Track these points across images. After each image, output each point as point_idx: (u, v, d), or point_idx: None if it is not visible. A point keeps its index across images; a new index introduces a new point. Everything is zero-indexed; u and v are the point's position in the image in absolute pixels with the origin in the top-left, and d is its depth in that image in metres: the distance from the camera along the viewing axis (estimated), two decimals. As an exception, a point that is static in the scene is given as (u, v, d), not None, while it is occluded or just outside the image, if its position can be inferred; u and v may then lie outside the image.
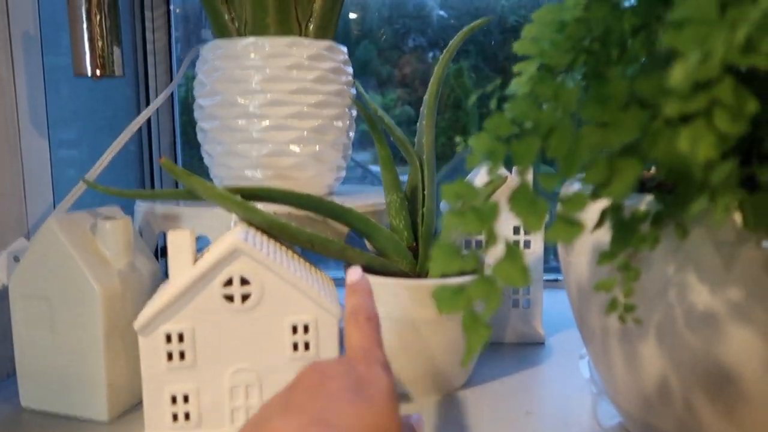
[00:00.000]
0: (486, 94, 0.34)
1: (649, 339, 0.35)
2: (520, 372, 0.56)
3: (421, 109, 0.57)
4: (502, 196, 0.40)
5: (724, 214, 0.21)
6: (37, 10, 0.59)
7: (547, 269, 0.69)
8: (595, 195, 0.25)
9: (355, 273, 0.35)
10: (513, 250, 0.26)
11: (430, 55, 0.94)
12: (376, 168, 0.54)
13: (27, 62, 0.57)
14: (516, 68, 0.35)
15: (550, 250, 0.78)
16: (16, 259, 0.50)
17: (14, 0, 0.55)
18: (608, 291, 0.30)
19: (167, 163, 0.44)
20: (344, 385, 0.25)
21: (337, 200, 0.57)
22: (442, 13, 0.93)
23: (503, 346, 0.63)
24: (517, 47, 0.36)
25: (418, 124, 0.58)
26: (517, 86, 0.33)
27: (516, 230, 0.62)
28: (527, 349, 0.62)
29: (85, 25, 0.53)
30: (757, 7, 0.20)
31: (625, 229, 0.31)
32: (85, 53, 0.54)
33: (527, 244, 0.63)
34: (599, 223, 0.32)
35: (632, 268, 0.30)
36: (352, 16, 0.95)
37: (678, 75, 0.19)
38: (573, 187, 0.41)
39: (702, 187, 0.22)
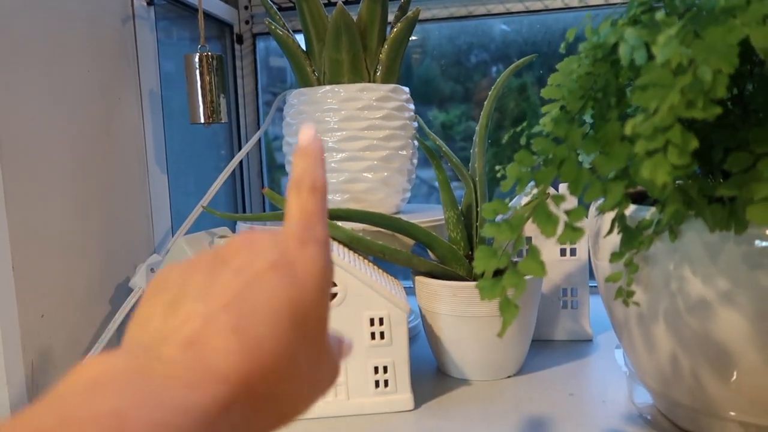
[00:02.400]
0: (517, 132, 0.44)
1: (660, 324, 0.43)
2: (567, 363, 0.64)
3: (474, 137, 0.67)
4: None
5: (668, 220, 0.30)
6: (158, 72, 0.73)
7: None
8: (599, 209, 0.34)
9: (307, 133, 0.28)
10: (533, 249, 0.35)
11: (494, 69, 0.98)
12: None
13: (153, 113, 0.71)
14: (544, 109, 0.45)
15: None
16: (152, 270, 0.63)
17: (143, 65, 0.70)
18: (616, 281, 0.39)
19: (269, 192, 0.56)
20: (270, 263, 0.23)
21: (404, 217, 0.67)
22: (504, 27, 0.99)
23: (554, 343, 0.71)
24: (544, 92, 0.45)
25: (471, 150, 0.67)
26: (543, 126, 0.43)
27: (561, 240, 0.70)
28: (576, 344, 0.70)
29: (199, 83, 0.67)
30: (688, 74, 0.29)
31: (630, 234, 0.39)
32: (199, 105, 0.67)
33: (573, 252, 0.71)
34: (610, 230, 0.40)
35: (633, 264, 0.39)
36: (413, 37, 0.98)
37: (629, 128, 0.28)
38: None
39: (661, 203, 0.31)
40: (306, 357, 0.23)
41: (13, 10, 0.52)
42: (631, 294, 0.40)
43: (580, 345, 0.70)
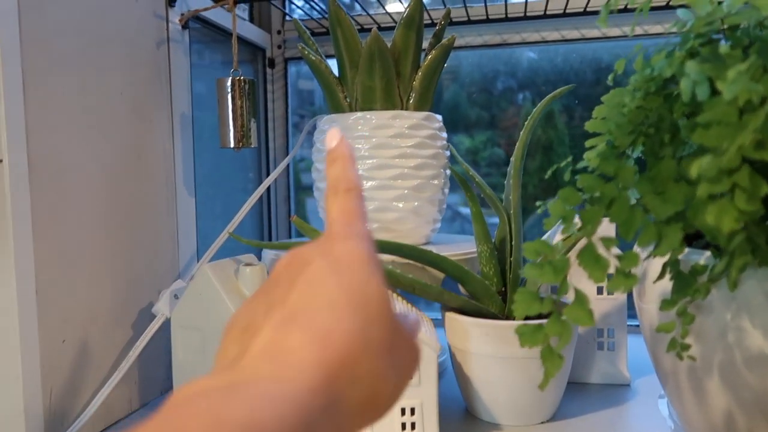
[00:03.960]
0: (560, 167, 0.42)
1: (714, 378, 0.39)
2: (604, 410, 0.60)
3: (509, 168, 0.64)
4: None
5: (737, 274, 0.27)
6: (190, 95, 0.73)
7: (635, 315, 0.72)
8: (649, 254, 0.31)
9: (334, 136, 0.30)
10: (581, 296, 0.32)
11: (520, 97, 0.97)
12: (465, 209, 0.62)
13: (183, 136, 0.71)
14: (588, 143, 0.42)
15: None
16: (176, 296, 0.62)
17: (176, 88, 0.69)
18: (669, 332, 0.36)
19: (298, 220, 0.54)
20: (322, 267, 0.24)
21: (434, 249, 0.65)
22: (532, 55, 0.98)
23: (589, 386, 0.67)
24: (589, 125, 0.43)
25: (505, 182, 0.65)
26: (588, 161, 0.40)
27: (599, 277, 0.67)
28: (613, 389, 0.66)
29: (230, 108, 0.66)
30: (760, 113, 0.26)
31: (684, 280, 0.37)
32: (229, 130, 0.66)
33: (611, 292, 0.67)
34: (661, 275, 0.38)
35: (688, 314, 0.36)
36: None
37: (694, 170, 0.26)
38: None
39: (725, 252, 0.28)
40: (378, 337, 0.23)
41: (52, 32, 0.52)
42: (686, 347, 0.37)
43: (617, 390, 0.66)
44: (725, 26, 0.33)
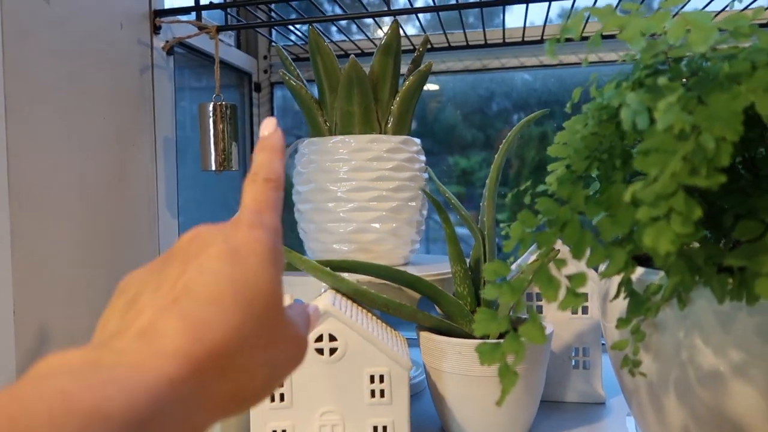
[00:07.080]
0: (521, 190, 0.43)
1: (671, 395, 0.41)
2: (579, 428, 0.61)
3: (483, 191, 0.66)
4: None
5: (672, 290, 0.28)
6: (174, 119, 0.74)
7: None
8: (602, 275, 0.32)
9: (269, 125, 0.31)
10: (534, 315, 0.34)
11: (515, 117, 0.99)
12: (457, 230, 0.63)
13: (166, 160, 0.72)
14: (550, 167, 0.44)
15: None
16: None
17: (160, 113, 0.71)
18: (622, 349, 0.37)
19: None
20: (219, 252, 0.24)
21: (411, 269, 0.66)
22: (526, 76, 1.00)
23: (564, 405, 0.68)
24: (550, 150, 0.45)
25: (480, 203, 0.67)
26: (549, 185, 0.42)
27: (573, 297, 0.68)
28: (587, 407, 0.67)
29: (212, 132, 0.68)
30: (691, 141, 0.28)
31: (637, 299, 0.38)
32: (211, 153, 0.68)
33: (585, 310, 0.69)
34: (616, 295, 0.39)
35: (640, 332, 0.37)
36: (435, 87, 1.02)
37: (627, 195, 0.28)
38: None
39: (665, 270, 0.30)
40: (256, 334, 0.24)
41: (35, 59, 0.53)
42: (637, 364, 0.38)
43: (592, 408, 0.67)
44: (670, 58, 0.35)
